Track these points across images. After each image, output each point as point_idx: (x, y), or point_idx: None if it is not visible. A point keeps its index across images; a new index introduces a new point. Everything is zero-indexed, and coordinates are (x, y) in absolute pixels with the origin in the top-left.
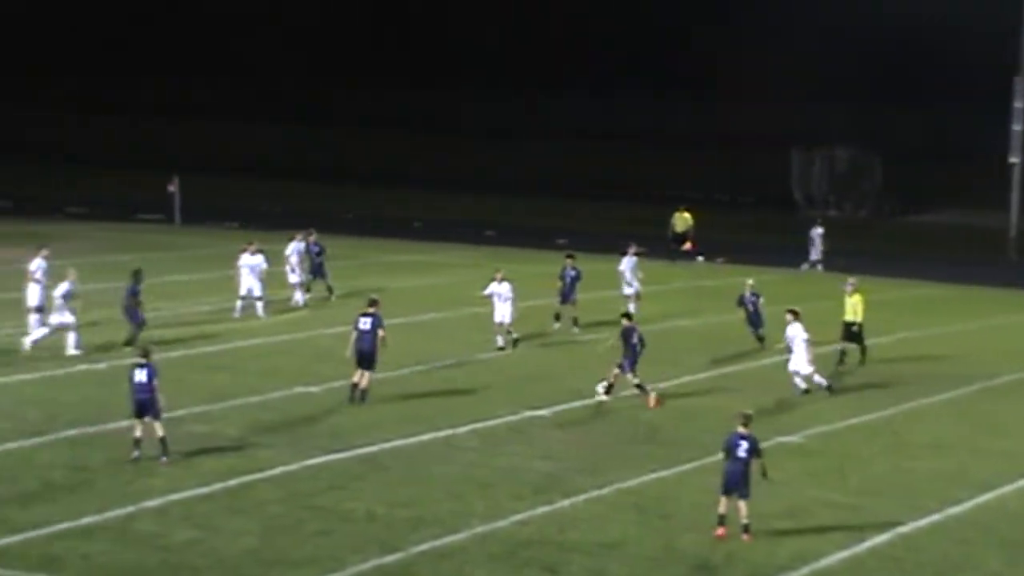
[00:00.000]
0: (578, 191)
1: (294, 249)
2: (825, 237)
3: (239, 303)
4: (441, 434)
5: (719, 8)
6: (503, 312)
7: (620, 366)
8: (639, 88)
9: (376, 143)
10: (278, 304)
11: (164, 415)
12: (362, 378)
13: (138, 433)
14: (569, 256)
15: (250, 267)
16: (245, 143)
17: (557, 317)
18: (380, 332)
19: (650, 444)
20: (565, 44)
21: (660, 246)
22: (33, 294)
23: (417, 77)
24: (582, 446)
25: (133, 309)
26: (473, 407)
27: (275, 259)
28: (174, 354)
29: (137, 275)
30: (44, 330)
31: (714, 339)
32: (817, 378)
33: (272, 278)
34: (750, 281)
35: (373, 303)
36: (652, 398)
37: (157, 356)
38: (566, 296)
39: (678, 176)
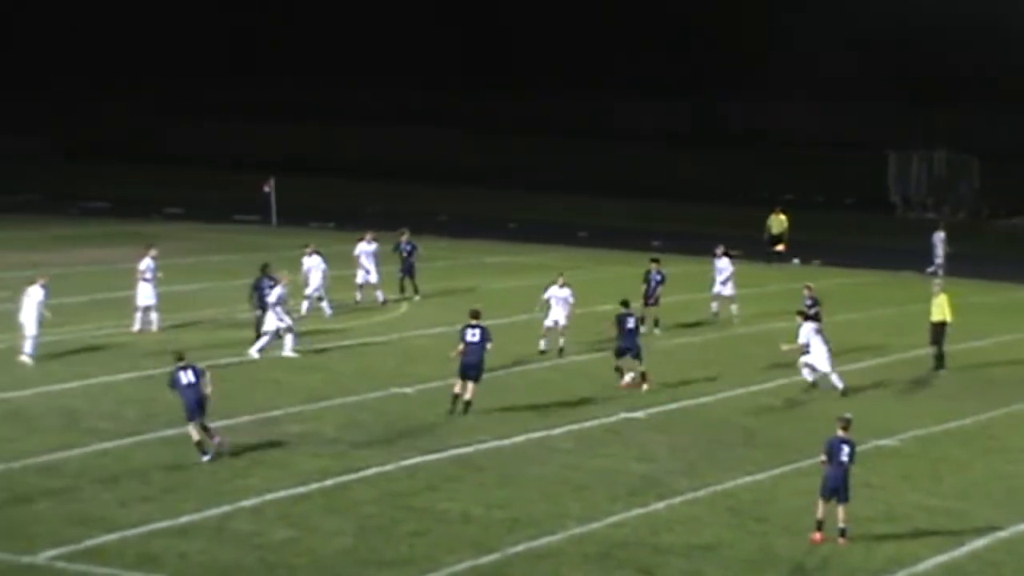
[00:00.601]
0: (673, 193)
1: (361, 250)
2: (947, 241)
3: (306, 303)
4: (536, 435)
5: (817, 11)
6: (557, 315)
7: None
8: (735, 90)
9: (472, 145)
10: (371, 305)
11: (260, 415)
12: (465, 390)
13: (197, 435)
14: (654, 260)
15: (313, 267)
16: (342, 144)
17: (641, 320)
18: (488, 344)
19: (746, 447)
20: (663, 46)
21: (756, 248)
22: (144, 293)
23: (515, 80)
24: (677, 448)
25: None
26: (568, 408)
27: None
28: (271, 355)
29: (265, 269)
30: (265, 338)
31: None
32: (835, 378)
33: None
34: (811, 284)
35: (476, 315)
36: (626, 380)
37: (257, 356)
38: (648, 298)
39: (775, 178)
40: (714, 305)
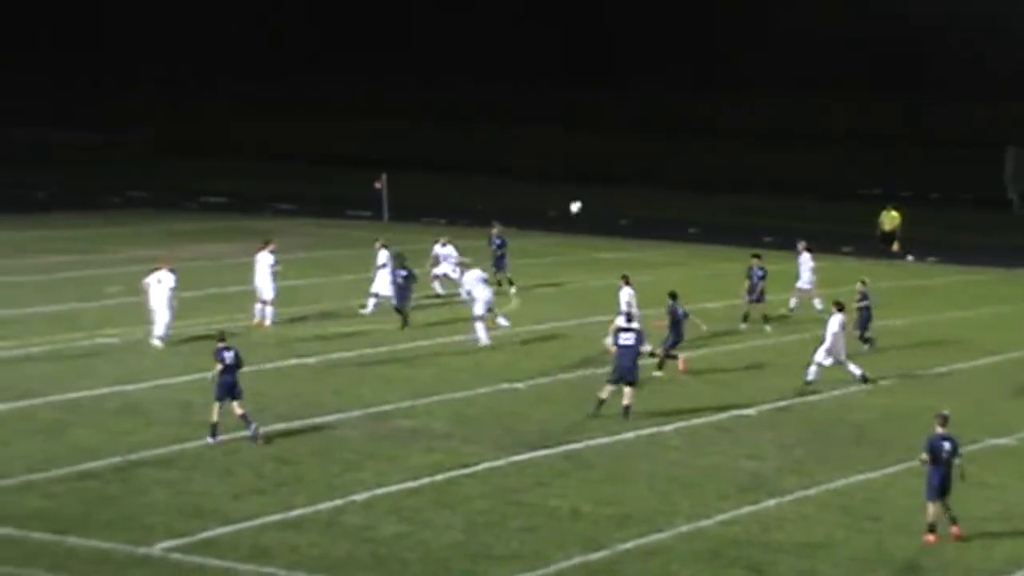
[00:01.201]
0: (785, 190)
1: (435, 252)
2: None
3: (372, 300)
4: (646, 432)
5: (930, 10)
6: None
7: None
8: (848, 88)
9: (581, 142)
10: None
11: (371, 409)
12: (621, 394)
13: (216, 417)
14: (755, 256)
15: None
16: (454, 142)
17: (745, 317)
18: (643, 348)
19: (857, 445)
20: (777, 46)
21: (869, 245)
22: (266, 286)
23: (623, 77)
24: (787, 446)
25: (405, 290)
26: (678, 405)
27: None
28: (381, 349)
29: (400, 258)
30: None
31: (923, 340)
32: (852, 367)
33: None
34: (865, 279)
35: (630, 318)
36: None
37: (367, 351)
38: (753, 295)
39: (889, 175)
40: (792, 301)
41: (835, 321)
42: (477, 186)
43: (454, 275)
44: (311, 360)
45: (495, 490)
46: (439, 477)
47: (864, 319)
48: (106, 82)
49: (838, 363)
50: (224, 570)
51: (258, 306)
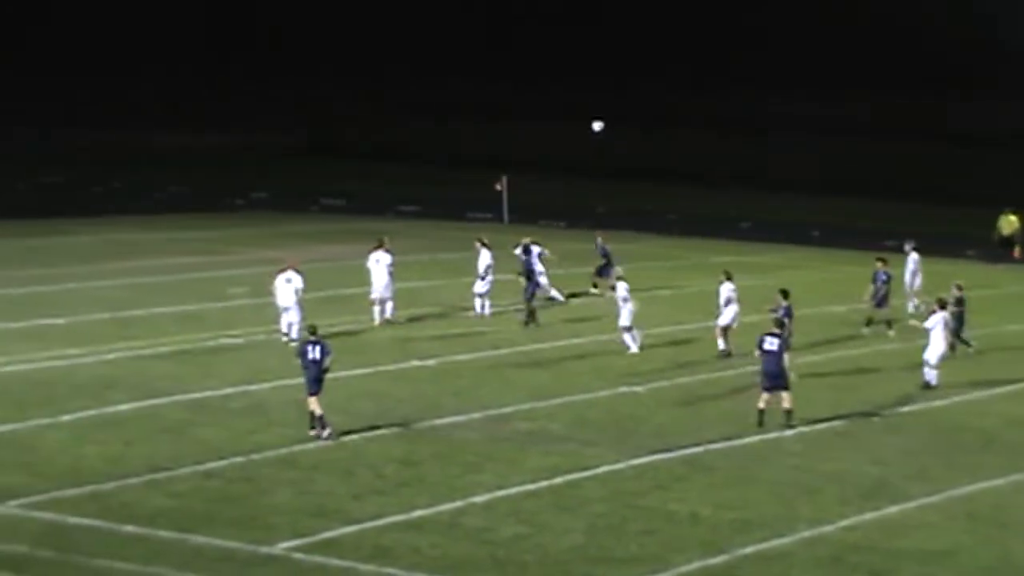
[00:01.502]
0: (910, 193)
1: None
2: None
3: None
4: (767, 436)
5: None
6: (730, 315)
7: None
8: (966, 90)
9: (703, 144)
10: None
11: (490, 411)
12: (776, 400)
13: (318, 409)
14: (880, 260)
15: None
16: (574, 143)
17: (868, 322)
18: (786, 355)
19: (983, 451)
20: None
21: (987, 249)
22: (383, 285)
23: (745, 79)
24: (911, 452)
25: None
26: (799, 409)
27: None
28: (501, 351)
29: (527, 248)
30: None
31: None
32: (930, 373)
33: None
34: (960, 283)
35: (781, 324)
36: None
37: (487, 353)
38: (877, 299)
39: (1008, 178)
40: (911, 305)
41: (935, 320)
42: (597, 188)
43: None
44: (431, 362)
45: (614, 493)
46: (558, 480)
47: (958, 322)
48: (236, 84)
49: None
50: (345, 570)
51: (376, 308)
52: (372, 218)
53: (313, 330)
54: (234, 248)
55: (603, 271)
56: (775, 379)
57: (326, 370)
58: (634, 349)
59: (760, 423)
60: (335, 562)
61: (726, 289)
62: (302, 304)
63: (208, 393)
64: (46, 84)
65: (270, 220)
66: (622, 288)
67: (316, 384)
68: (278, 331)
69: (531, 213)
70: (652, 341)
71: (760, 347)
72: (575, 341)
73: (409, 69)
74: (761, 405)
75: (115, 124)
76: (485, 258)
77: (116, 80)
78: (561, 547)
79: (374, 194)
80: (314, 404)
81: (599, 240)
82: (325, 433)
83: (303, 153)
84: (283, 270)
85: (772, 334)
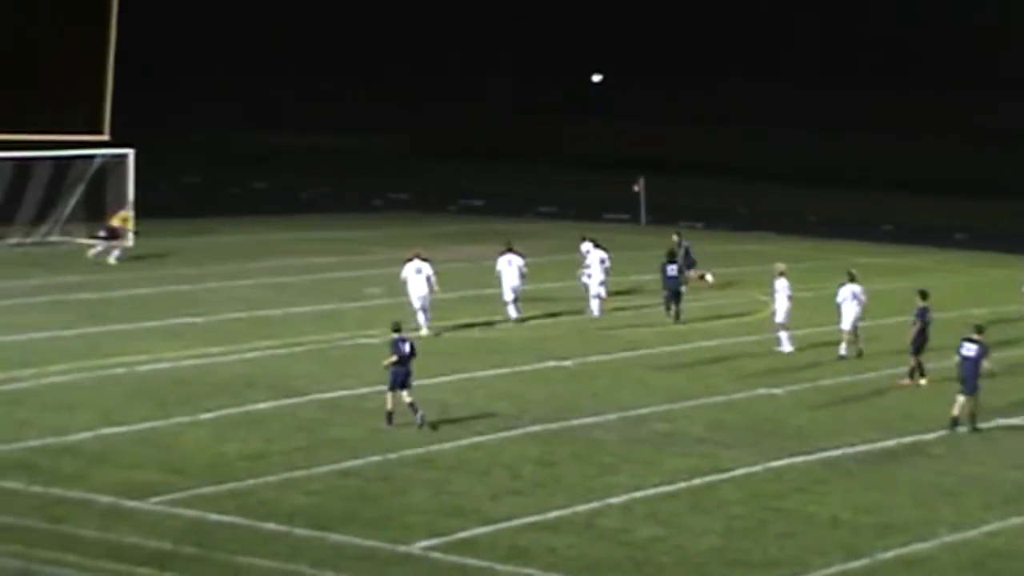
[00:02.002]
0: None
1: (585, 252)
2: None
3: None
4: (907, 440)
5: None
6: (850, 316)
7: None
8: None
9: (842, 145)
10: (738, 304)
11: (628, 413)
12: (969, 405)
13: (390, 405)
14: None
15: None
16: (711, 144)
17: None
18: (986, 363)
19: None
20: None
21: None
22: (510, 285)
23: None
24: None
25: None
26: (940, 413)
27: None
28: (638, 352)
29: (675, 249)
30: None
31: None
32: None
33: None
34: None
35: (980, 330)
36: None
37: (624, 354)
38: None
39: None
40: None
41: None
42: (736, 189)
43: (586, 279)
44: (568, 363)
45: (752, 495)
46: (696, 481)
47: None
48: (375, 84)
49: None
50: (482, 570)
51: (511, 307)
52: (510, 219)
53: (398, 327)
54: (372, 248)
55: (688, 264)
56: (971, 384)
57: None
58: (787, 348)
59: (953, 428)
60: (472, 562)
61: (846, 291)
62: (434, 289)
63: (344, 392)
64: (188, 84)
65: (408, 221)
66: (783, 285)
67: (401, 378)
68: (414, 328)
69: (669, 214)
70: (769, 343)
71: (959, 352)
72: (711, 343)
73: (547, 68)
74: (955, 412)
75: (257, 124)
76: (596, 257)
77: (256, 80)
78: (699, 549)
79: (513, 195)
80: (396, 399)
81: (677, 238)
82: (418, 419)
83: (443, 154)
84: (409, 260)
85: (971, 340)
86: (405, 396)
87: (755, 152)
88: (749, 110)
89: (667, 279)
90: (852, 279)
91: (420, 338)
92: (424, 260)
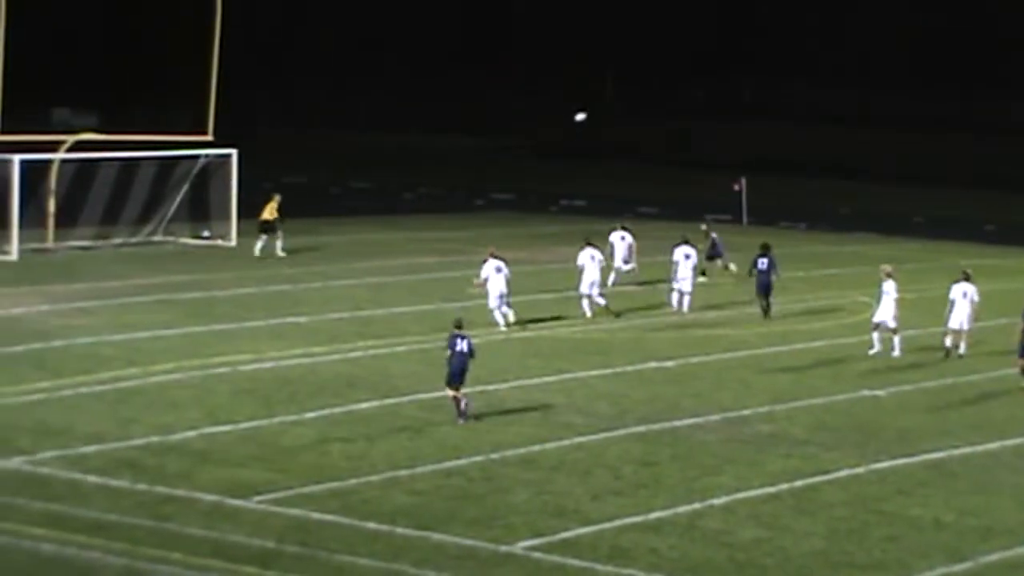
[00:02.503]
0: None
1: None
2: None
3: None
4: (1011, 443)
5: None
6: (885, 312)
7: None
8: None
9: (942, 146)
10: (837, 305)
11: (729, 414)
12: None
13: (457, 397)
14: None
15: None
16: (813, 145)
17: None
18: None
19: None
20: None
21: None
22: (592, 278)
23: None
24: None
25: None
26: None
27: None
28: (739, 354)
29: (765, 247)
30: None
31: None
32: None
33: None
34: None
35: None
36: None
37: (725, 355)
38: None
39: None
40: None
41: None
42: (838, 189)
43: (626, 266)
44: (669, 364)
45: (855, 498)
46: (798, 483)
47: None
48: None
49: None
50: (584, 570)
51: (587, 302)
52: (611, 219)
53: (459, 324)
54: (474, 248)
55: (712, 255)
56: None
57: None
58: (898, 353)
59: None
60: (573, 562)
61: (959, 290)
62: (509, 283)
63: (447, 392)
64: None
65: (510, 221)
66: (891, 287)
67: (460, 376)
68: (495, 325)
69: (770, 214)
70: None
71: None
72: (813, 344)
73: (651, 69)
74: None
75: (361, 125)
76: (622, 247)
77: (362, 80)
78: (802, 551)
79: (614, 195)
80: (454, 393)
81: (703, 228)
82: (464, 416)
83: (546, 154)
84: (486, 260)
85: None
86: (458, 392)
87: (858, 152)
88: (851, 110)
89: (758, 273)
90: (967, 278)
91: (504, 332)
92: (499, 259)
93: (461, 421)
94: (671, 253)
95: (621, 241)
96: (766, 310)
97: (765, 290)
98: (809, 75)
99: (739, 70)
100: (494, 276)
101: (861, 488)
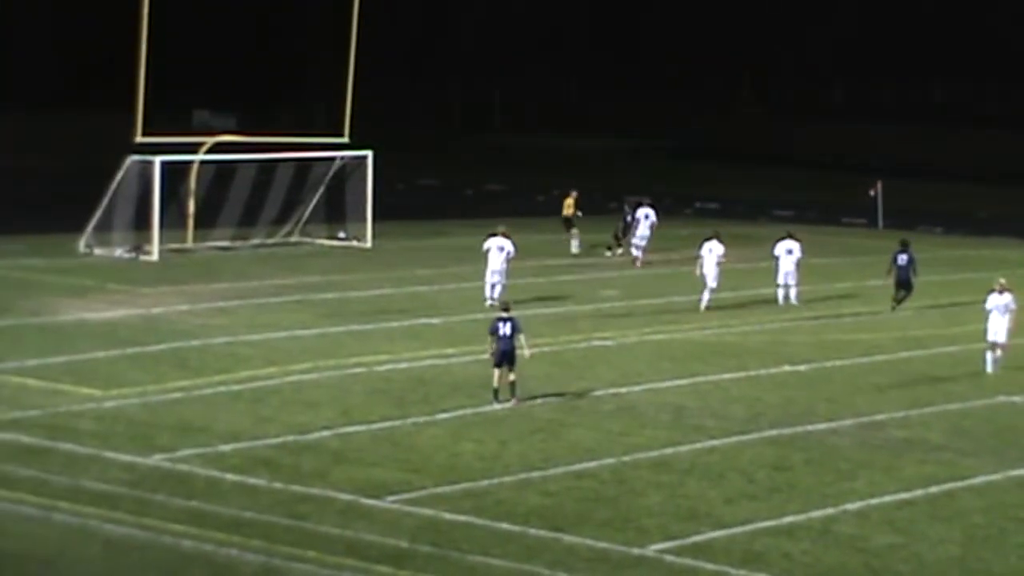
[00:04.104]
0: None
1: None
2: None
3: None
4: None
5: None
6: (997, 328)
7: None
8: None
9: None
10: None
11: (864, 419)
12: None
13: (496, 382)
14: None
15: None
16: (952, 147)
17: None
18: None
19: None
20: None
21: None
22: (713, 276)
23: None
24: None
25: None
26: None
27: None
28: (875, 358)
29: (904, 243)
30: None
31: None
32: None
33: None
34: None
35: None
36: None
37: (860, 360)
38: None
39: None
40: None
41: None
42: (979, 193)
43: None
44: (803, 368)
45: (993, 504)
46: (934, 489)
47: None
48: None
49: None
50: (716, 574)
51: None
52: (745, 222)
53: (506, 307)
54: (607, 251)
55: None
56: None
57: (516, 347)
58: (992, 369)
59: None
60: (706, 566)
61: (1004, 300)
62: (508, 272)
63: (580, 394)
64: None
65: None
66: (1006, 301)
67: (503, 357)
68: (489, 300)
69: (907, 218)
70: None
71: None
72: (949, 349)
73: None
74: None
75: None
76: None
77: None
78: (937, 557)
79: (746, 199)
80: (501, 376)
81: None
82: (513, 402)
83: (679, 156)
84: (493, 235)
85: None
86: (509, 375)
87: (996, 156)
88: (992, 113)
89: (897, 268)
90: (1004, 289)
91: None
92: (507, 237)
93: (514, 403)
94: (772, 248)
95: (788, 255)
96: (899, 301)
97: (905, 286)
98: (944, 75)
99: (876, 71)
100: (495, 253)
101: (998, 495)
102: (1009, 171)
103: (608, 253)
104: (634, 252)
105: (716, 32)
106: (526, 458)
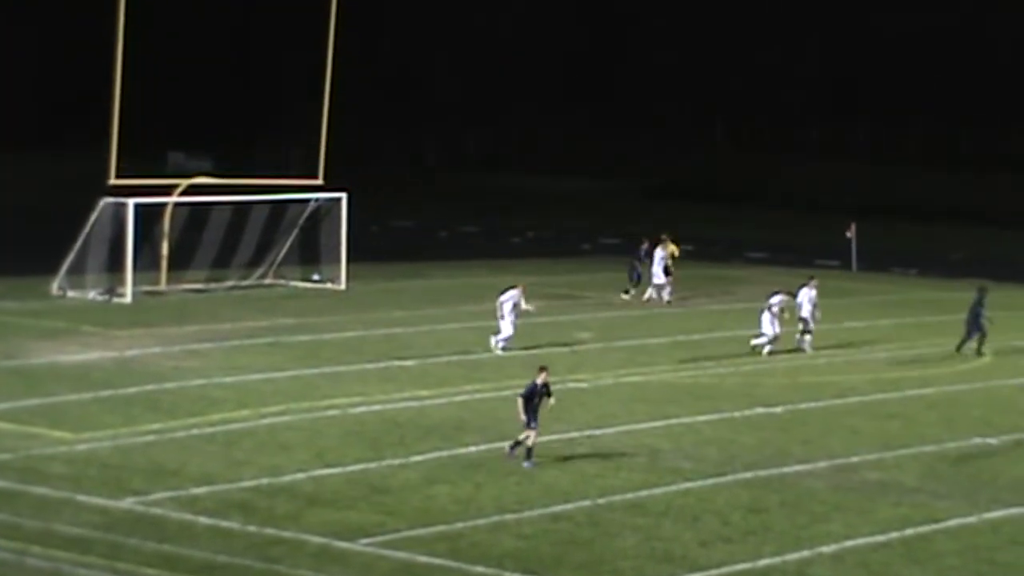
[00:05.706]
0: None
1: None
2: None
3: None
4: None
5: None
6: None
7: None
8: None
9: None
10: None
11: (838, 460)
12: None
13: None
14: None
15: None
16: (926, 188)
17: None
18: None
19: None
20: None
21: None
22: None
23: None
24: None
25: (977, 322)
26: None
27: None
28: (848, 400)
29: (982, 291)
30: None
31: None
32: None
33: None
34: None
35: None
36: None
37: (834, 401)
38: None
39: None
40: None
41: None
42: (952, 235)
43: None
44: (778, 409)
45: (967, 547)
46: (909, 531)
47: None
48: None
49: None
50: None
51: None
52: (718, 264)
53: (544, 367)
54: (581, 292)
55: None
56: None
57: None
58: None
59: None
60: None
61: None
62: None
63: (555, 437)
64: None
65: (617, 264)
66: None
67: (533, 416)
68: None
69: (881, 260)
70: (1008, 393)
71: None
72: (923, 391)
73: (758, 110)
74: None
75: (467, 166)
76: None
77: (469, 124)
78: None
79: (721, 240)
80: (529, 436)
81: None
82: (515, 453)
83: (652, 197)
84: (507, 290)
85: None
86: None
87: (968, 196)
88: (967, 153)
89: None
90: None
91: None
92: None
93: (512, 452)
94: (797, 294)
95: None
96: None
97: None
98: (912, 115)
99: (846, 111)
100: (509, 307)
101: (973, 537)
102: (984, 212)
103: (624, 296)
104: (657, 294)
105: (690, 73)
106: (501, 501)
